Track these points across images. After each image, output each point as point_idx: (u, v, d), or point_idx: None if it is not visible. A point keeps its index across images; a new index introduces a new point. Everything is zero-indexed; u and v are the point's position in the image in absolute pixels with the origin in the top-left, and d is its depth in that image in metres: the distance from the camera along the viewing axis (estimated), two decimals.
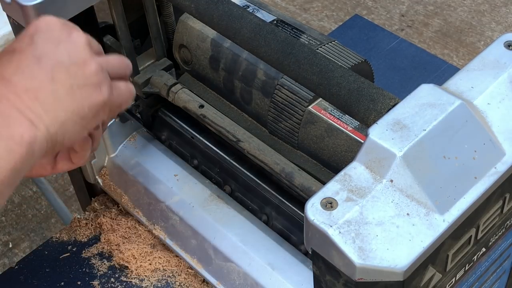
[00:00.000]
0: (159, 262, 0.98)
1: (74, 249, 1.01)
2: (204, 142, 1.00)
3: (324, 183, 0.81)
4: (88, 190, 1.08)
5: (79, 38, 0.66)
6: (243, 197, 0.96)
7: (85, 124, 0.64)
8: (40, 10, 0.84)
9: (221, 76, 0.97)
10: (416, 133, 0.62)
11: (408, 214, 0.60)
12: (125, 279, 0.97)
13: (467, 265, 0.69)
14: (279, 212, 0.92)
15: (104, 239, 1.01)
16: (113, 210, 1.04)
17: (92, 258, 1.00)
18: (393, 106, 0.68)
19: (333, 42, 0.91)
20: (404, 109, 0.65)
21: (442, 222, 0.60)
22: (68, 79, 0.63)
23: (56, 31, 0.66)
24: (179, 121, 1.03)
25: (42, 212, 1.90)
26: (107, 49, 1.03)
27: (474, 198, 0.62)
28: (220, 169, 0.98)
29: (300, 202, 0.90)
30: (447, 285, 0.68)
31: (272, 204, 0.93)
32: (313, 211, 0.60)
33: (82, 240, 1.02)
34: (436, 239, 0.59)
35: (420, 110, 0.64)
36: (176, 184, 0.99)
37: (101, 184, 1.05)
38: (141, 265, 0.97)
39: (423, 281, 0.62)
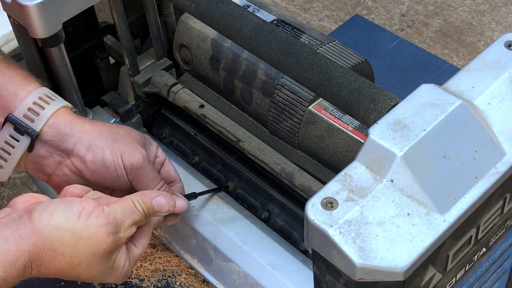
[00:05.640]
0: (159, 262, 0.98)
1: None
2: (207, 138, 1.00)
3: (324, 183, 0.81)
4: None
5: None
6: (245, 194, 0.96)
7: None
8: (40, 10, 0.84)
9: (222, 76, 0.97)
10: (417, 133, 0.62)
11: (408, 214, 0.60)
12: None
13: (467, 265, 0.69)
14: (282, 208, 0.92)
15: None
16: None
17: None
18: (394, 106, 0.68)
19: (333, 42, 0.91)
20: (405, 109, 0.65)
21: (443, 222, 0.60)
22: None
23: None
24: (181, 119, 1.04)
25: None
26: (107, 49, 1.04)
27: (474, 198, 0.62)
28: (223, 166, 0.98)
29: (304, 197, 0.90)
30: (448, 285, 0.68)
31: (275, 200, 0.93)
32: (314, 211, 0.60)
33: None
34: (437, 239, 0.59)
35: (420, 110, 0.64)
36: None
37: None
38: (141, 265, 0.97)
39: (423, 281, 0.62)
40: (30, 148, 0.80)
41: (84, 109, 0.99)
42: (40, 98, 0.80)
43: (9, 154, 0.80)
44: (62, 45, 0.90)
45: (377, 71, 0.95)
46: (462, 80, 0.68)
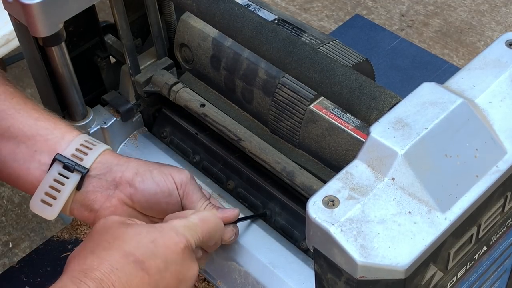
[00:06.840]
0: None
1: (75, 248, 1.01)
2: (207, 137, 1.00)
3: (325, 182, 0.81)
4: None
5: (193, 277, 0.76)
6: (246, 193, 0.96)
7: None
8: (41, 9, 0.84)
9: (222, 75, 0.97)
10: (418, 131, 0.62)
11: (409, 212, 0.60)
12: None
13: (468, 264, 0.69)
14: (282, 207, 0.92)
15: None
16: None
17: None
18: (395, 104, 0.68)
19: (334, 41, 0.91)
20: (406, 107, 0.65)
21: (444, 220, 0.60)
22: None
23: (184, 266, 0.75)
24: (182, 118, 1.04)
25: None
26: (108, 48, 1.04)
27: (475, 197, 0.62)
28: (224, 165, 0.98)
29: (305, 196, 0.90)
30: (448, 284, 0.68)
31: (276, 199, 0.93)
32: (315, 209, 0.60)
33: (83, 239, 1.02)
34: (438, 237, 0.59)
35: (421, 108, 0.64)
36: None
37: None
38: None
39: (424, 280, 0.62)
40: (79, 186, 0.80)
41: (85, 108, 0.99)
42: (86, 141, 0.83)
43: (59, 191, 0.80)
44: (63, 44, 0.90)
45: (378, 71, 0.95)
46: (463, 78, 0.69)
